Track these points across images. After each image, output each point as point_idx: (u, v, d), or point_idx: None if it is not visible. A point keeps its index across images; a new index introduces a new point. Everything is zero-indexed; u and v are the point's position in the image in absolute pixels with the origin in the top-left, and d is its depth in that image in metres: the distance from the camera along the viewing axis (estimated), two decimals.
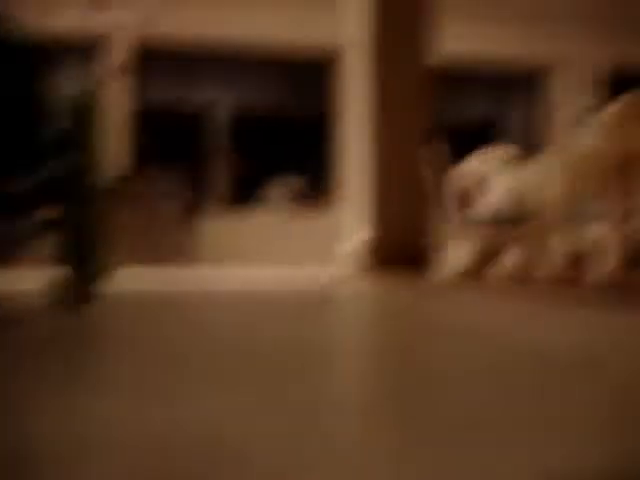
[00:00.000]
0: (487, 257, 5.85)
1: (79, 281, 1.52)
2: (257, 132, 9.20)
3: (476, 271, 5.63)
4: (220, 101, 9.30)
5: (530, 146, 8.47)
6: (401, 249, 4.56)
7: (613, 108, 4.56)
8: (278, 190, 8.39)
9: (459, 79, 9.25)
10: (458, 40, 8.40)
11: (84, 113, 1.56)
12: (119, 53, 7.94)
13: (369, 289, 2.43)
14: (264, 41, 8.29)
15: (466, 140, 7.42)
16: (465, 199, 5.96)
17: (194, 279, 3.51)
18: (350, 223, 4.90)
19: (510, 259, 5.93)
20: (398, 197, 4.65)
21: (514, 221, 5.18)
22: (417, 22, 4.72)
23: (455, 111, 9.42)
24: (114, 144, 7.82)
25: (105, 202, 1.75)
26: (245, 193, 8.48)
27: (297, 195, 8.38)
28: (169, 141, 8.63)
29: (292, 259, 7.83)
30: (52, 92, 1.61)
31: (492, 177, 5.94)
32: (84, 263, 1.48)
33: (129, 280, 3.22)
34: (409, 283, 2.76)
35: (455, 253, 5.18)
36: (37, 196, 1.53)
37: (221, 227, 7.99)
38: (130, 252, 7.49)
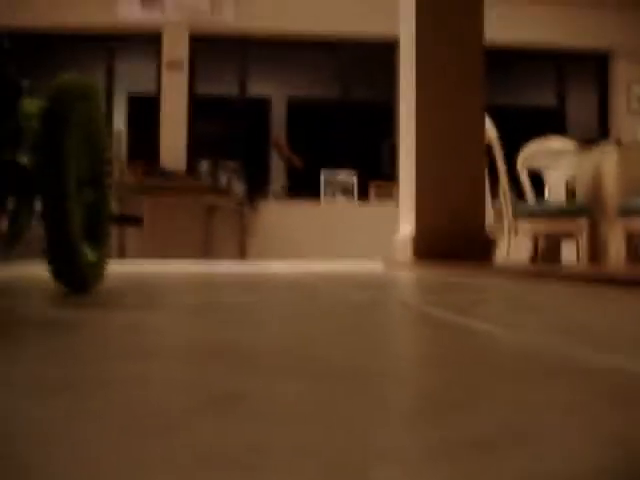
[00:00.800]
0: (545, 249, 5.76)
1: (65, 273, 1.53)
2: (313, 125, 9.20)
3: (534, 262, 5.54)
4: (276, 95, 9.33)
5: (589, 135, 8.29)
6: (448, 240, 4.50)
7: None
8: (335, 181, 8.37)
9: (519, 65, 9.11)
10: (519, 26, 8.27)
11: (66, 102, 1.49)
12: (174, 46, 8.01)
13: (412, 274, 2.42)
14: (320, 32, 8.27)
15: (525, 127, 7.31)
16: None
17: (250, 268, 3.55)
18: (403, 214, 4.87)
19: (567, 251, 5.82)
20: (441, 188, 4.59)
21: (571, 213, 5.08)
22: (467, 10, 4.64)
23: (514, 96, 9.28)
24: (171, 136, 7.91)
25: (95, 194, 1.76)
26: (302, 185, 8.48)
27: (353, 187, 8.35)
28: (227, 134, 8.68)
29: (348, 250, 7.82)
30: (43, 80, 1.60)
31: (549, 168, 5.84)
32: (66, 256, 1.50)
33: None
34: (454, 269, 2.74)
35: (512, 244, 5.11)
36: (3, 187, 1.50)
37: (278, 218, 8.01)
38: (185, 247, 7.57)
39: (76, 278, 1.56)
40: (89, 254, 1.65)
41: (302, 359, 0.64)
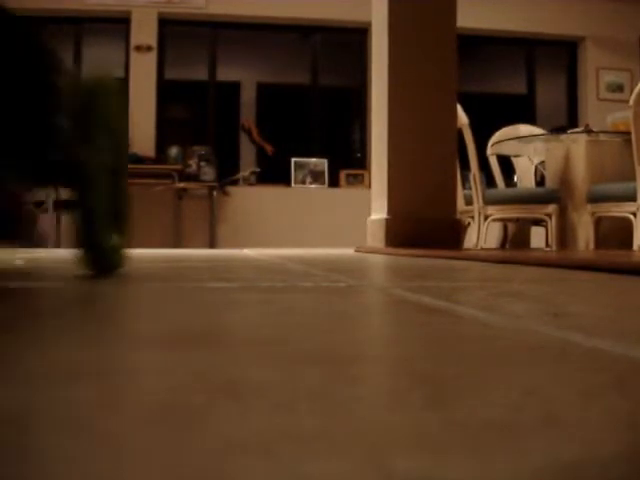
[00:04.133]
0: (514, 235, 5.80)
1: (94, 257, 1.64)
2: (283, 111, 9.17)
3: (504, 247, 5.59)
4: (245, 80, 9.27)
5: (558, 122, 8.35)
6: (420, 225, 4.52)
7: None
8: (306, 167, 8.35)
9: (489, 52, 9.15)
10: (489, 12, 8.30)
11: (97, 97, 1.57)
12: (143, 30, 7.92)
13: (385, 257, 2.43)
14: (291, 17, 8.22)
15: (495, 113, 7.35)
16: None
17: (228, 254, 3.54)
18: (375, 199, 4.87)
19: (537, 237, 5.87)
20: (413, 174, 4.60)
21: (540, 199, 5.12)
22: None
23: (484, 83, 9.32)
24: (139, 121, 7.83)
25: (117, 183, 1.87)
26: (272, 170, 8.46)
27: (324, 173, 8.34)
28: (196, 119, 8.63)
29: (320, 236, 7.82)
30: (67, 75, 1.64)
31: (518, 154, 5.88)
32: (95, 241, 1.61)
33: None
34: (426, 252, 2.75)
35: (481, 230, 5.14)
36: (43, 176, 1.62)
37: (249, 204, 7.98)
38: (155, 232, 7.52)
39: (107, 263, 1.68)
40: (114, 239, 1.77)
41: (288, 346, 0.63)
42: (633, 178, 4.59)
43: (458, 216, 4.85)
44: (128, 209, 1.94)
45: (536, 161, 5.91)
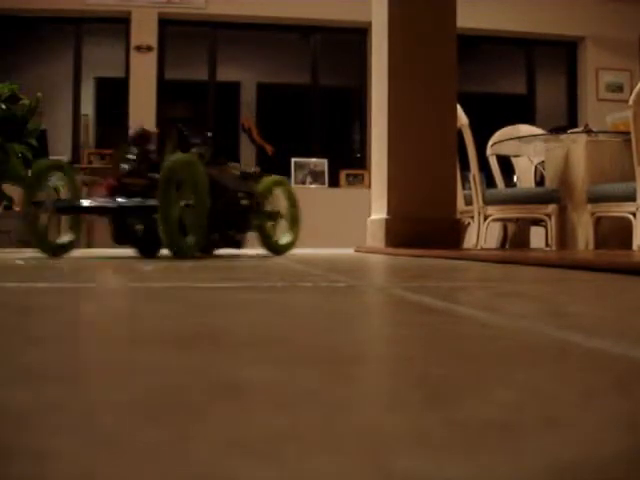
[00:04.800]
0: (514, 235, 5.80)
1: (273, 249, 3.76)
2: (283, 111, 9.17)
3: (504, 247, 5.59)
4: (245, 80, 9.27)
5: (558, 122, 8.34)
6: (420, 225, 4.52)
7: None
8: (306, 167, 8.34)
9: (489, 52, 9.14)
10: (489, 13, 8.29)
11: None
12: (143, 30, 7.92)
13: (385, 257, 2.44)
14: (291, 17, 8.22)
15: (495, 113, 7.35)
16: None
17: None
18: (375, 199, 4.87)
19: (536, 237, 5.87)
20: (413, 174, 4.60)
21: (540, 199, 5.12)
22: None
23: (484, 83, 9.31)
24: (142, 120, 7.82)
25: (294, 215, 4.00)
26: (272, 170, 8.45)
27: (324, 173, 8.33)
28: (196, 119, 8.62)
29: (320, 236, 7.81)
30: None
31: (518, 154, 5.88)
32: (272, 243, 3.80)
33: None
34: (428, 252, 2.75)
35: (481, 230, 5.14)
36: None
37: None
38: None
39: (280, 251, 3.80)
40: (286, 239, 3.90)
41: (289, 345, 0.63)
42: (633, 178, 4.59)
43: (458, 216, 4.85)
44: (298, 221, 3.98)
45: (536, 161, 5.91)
